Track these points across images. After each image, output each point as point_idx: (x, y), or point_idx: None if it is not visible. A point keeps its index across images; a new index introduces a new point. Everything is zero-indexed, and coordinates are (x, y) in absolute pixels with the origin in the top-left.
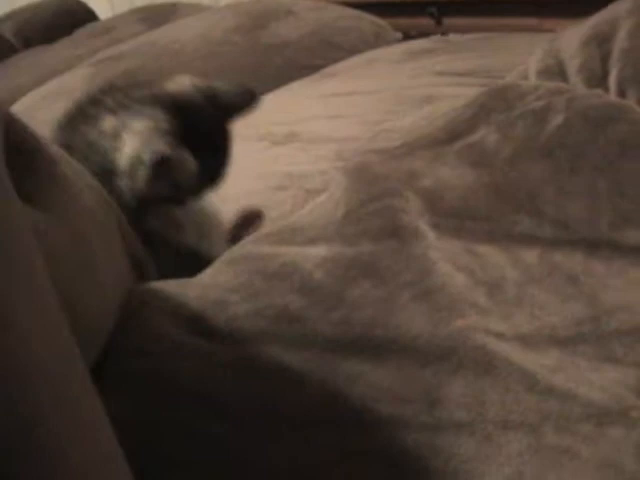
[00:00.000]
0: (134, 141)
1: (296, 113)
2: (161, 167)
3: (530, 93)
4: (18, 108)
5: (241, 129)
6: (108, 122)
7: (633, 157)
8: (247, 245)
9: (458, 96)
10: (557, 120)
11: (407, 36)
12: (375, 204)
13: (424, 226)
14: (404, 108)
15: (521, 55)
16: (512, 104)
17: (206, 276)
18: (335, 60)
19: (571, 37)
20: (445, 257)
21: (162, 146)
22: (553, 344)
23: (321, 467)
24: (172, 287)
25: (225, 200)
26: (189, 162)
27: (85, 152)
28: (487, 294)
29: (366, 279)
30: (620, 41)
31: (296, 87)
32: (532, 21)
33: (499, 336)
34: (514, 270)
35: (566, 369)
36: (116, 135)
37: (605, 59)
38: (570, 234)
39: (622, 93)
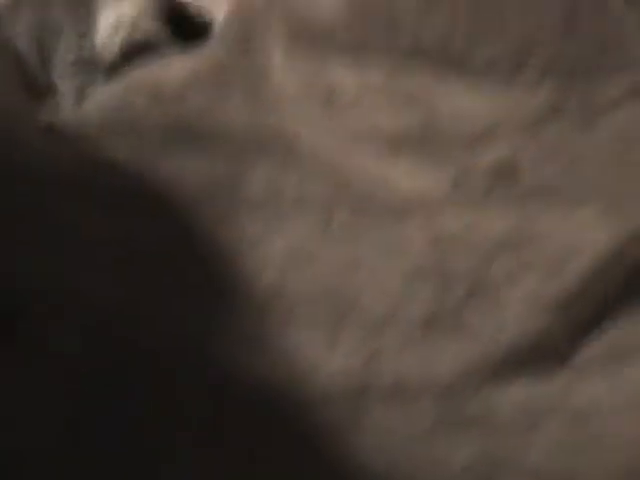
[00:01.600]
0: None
1: None
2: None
3: None
4: None
5: None
6: None
7: None
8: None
9: None
10: None
11: None
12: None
13: (276, 46)
14: None
15: None
16: None
17: None
18: None
19: None
20: (285, 68)
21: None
22: (381, 141)
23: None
24: None
25: None
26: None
27: None
28: (323, 101)
29: (209, 85)
30: None
31: None
32: None
33: (315, 131)
34: (354, 78)
35: (386, 165)
36: None
37: None
38: (424, 49)
39: None
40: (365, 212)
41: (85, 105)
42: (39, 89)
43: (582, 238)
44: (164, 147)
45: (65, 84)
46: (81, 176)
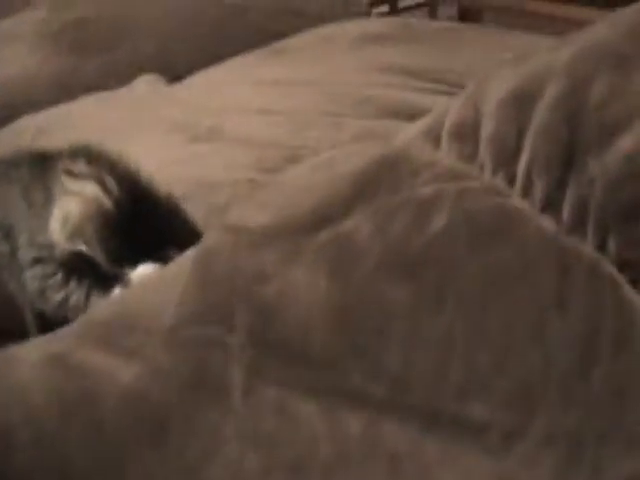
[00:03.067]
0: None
1: (226, 101)
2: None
3: (423, 171)
4: None
5: (164, 111)
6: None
7: (506, 293)
8: (73, 339)
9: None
10: (438, 223)
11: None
12: (195, 329)
13: (238, 372)
14: (339, 109)
15: (486, 59)
16: (399, 184)
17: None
18: (297, 28)
19: (500, 82)
20: (244, 428)
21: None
22: None
23: None
24: None
25: None
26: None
27: None
28: None
29: (150, 450)
30: (542, 109)
31: (235, 66)
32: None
33: None
34: (329, 445)
35: None
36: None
37: (522, 130)
38: (409, 398)
39: (528, 184)
40: None
41: None
42: None
43: None
44: None
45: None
46: None
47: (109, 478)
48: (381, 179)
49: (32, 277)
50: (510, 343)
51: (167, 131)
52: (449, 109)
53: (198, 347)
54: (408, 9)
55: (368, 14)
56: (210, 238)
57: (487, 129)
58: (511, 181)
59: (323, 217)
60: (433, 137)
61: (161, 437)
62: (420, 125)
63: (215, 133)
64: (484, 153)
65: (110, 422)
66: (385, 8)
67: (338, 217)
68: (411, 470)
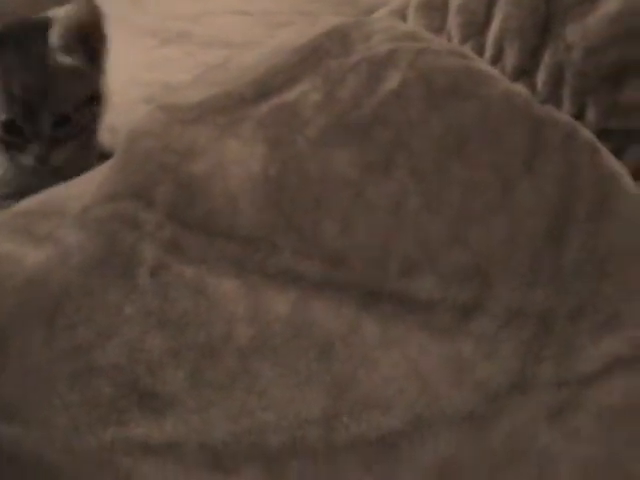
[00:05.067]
0: None
1: (199, 5)
2: None
3: (378, 34)
4: None
5: (135, 18)
6: None
7: (470, 155)
8: None
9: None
10: (392, 81)
11: None
12: (108, 207)
13: (149, 250)
14: (318, 8)
15: None
16: (352, 47)
17: None
18: None
19: None
20: (149, 308)
21: None
22: (250, 460)
23: None
24: None
25: None
26: None
27: None
28: (190, 367)
29: (38, 330)
30: None
31: None
32: None
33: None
34: (248, 327)
35: None
36: None
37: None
38: (345, 274)
39: (498, 52)
40: None
41: None
42: None
43: None
44: None
45: None
46: None
47: None
48: (330, 46)
49: None
50: (470, 210)
51: (137, 36)
52: None
53: (108, 224)
54: None
55: None
56: (140, 118)
57: (455, 2)
58: (480, 51)
59: (265, 88)
60: (399, 15)
61: (53, 317)
62: (386, 8)
63: (186, 36)
64: (452, 24)
65: (5, 307)
66: None
67: (282, 87)
68: (345, 353)
